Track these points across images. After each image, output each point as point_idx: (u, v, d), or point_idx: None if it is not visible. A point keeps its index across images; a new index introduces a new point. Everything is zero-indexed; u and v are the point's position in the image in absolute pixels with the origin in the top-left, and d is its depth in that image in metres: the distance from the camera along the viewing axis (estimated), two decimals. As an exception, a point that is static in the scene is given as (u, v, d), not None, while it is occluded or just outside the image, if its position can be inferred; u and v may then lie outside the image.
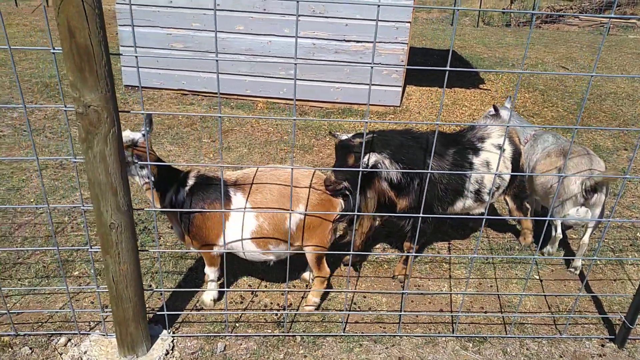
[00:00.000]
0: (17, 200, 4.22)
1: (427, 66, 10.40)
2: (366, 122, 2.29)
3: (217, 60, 2.13)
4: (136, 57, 2.16)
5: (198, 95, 7.61)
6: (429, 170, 2.84)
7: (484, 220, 2.71)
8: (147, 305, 3.03)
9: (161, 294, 3.04)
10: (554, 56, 12.53)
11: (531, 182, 3.89)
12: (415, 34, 15.89)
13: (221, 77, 7.44)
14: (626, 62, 12.26)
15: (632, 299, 2.94)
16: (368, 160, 3.01)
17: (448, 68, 2.17)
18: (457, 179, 3.35)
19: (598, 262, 3.85)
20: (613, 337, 3.06)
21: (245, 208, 2.73)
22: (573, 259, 3.71)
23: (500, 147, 3.31)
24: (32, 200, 4.24)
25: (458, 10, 2.06)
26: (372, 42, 7.05)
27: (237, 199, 2.74)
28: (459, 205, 3.46)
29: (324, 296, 3.20)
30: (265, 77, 7.40)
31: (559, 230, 3.70)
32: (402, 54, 7.10)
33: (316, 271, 2.99)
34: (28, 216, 3.98)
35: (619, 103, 8.42)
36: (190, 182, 2.80)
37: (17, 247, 3.55)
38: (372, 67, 2.12)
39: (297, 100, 7.51)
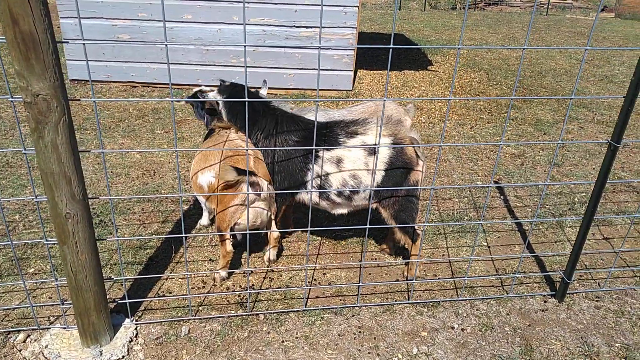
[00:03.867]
0: (-37, 201, 4.08)
1: (379, 50, 10.58)
2: (317, 103, 2.39)
3: (166, 45, 2.16)
4: (84, 44, 2.15)
5: (148, 86, 7.48)
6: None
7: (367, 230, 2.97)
8: (108, 296, 3.05)
9: (122, 284, 3.05)
10: (497, 37, 12.99)
11: None
12: (365, 19, 16.07)
13: (172, 67, 7.34)
14: (564, 40, 12.86)
15: (569, 256, 3.19)
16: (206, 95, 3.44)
17: (392, 46, 2.29)
18: (293, 165, 3.19)
19: (540, 226, 4.12)
20: (554, 292, 3.31)
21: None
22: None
23: (373, 149, 3.06)
24: (-21, 200, 4.11)
25: (395, -10, 2.16)
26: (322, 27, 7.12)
27: None
28: (302, 197, 3.30)
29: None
30: (217, 65, 7.35)
31: None
32: (351, 38, 7.21)
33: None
34: (-24, 217, 3.87)
35: (558, 79, 8.88)
36: None
37: (-33, 248, 3.46)
38: (319, 51, 2.20)
39: (251, 87, 7.50)
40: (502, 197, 4.62)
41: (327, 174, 3.12)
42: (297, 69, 7.42)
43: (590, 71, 9.55)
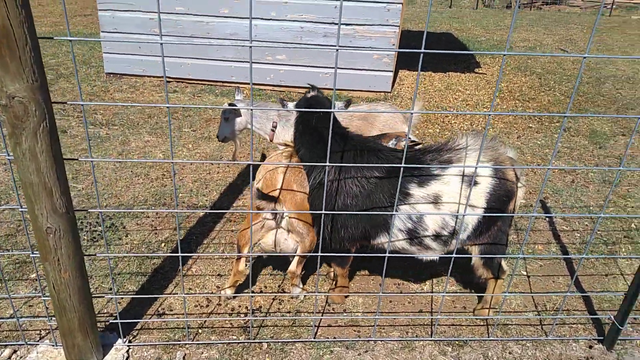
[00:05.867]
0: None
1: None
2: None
3: (161, 44, 1.91)
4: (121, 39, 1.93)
5: (182, 82, 7.36)
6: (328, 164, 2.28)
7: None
8: (105, 311, 2.86)
9: (119, 299, 2.85)
10: (553, 38, 12.20)
11: None
12: (412, 17, 15.54)
13: (206, 63, 7.20)
14: (627, 44, 11.93)
15: (623, 297, 2.75)
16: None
17: (422, 50, 1.95)
18: (375, 207, 2.63)
19: (590, 255, 3.65)
20: (602, 337, 2.87)
21: None
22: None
23: (471, 179, 2.51)
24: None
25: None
26: (362, 24, 6.78)
27: None
28: (381, 240, 2.74)
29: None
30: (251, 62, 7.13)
31: None
32: (393, 37, 6.82)
33: None
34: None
35: (619, 86, 8.14)
36: None
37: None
38: (337, 50, 1.90)
39: (285, 86, 7.27)
40: (547, 219, 4.15)
41: (422, 216, 2.59)
42: (334, 67, 7.09)
43: (656, 78, 8.73)
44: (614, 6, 20.01)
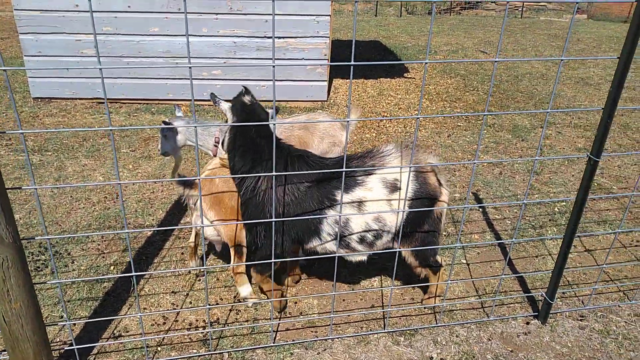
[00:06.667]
0: None
1: (354, 59, 10.44)
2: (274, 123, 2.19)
3: (100, 69, 1.95)
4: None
5: (116, 102, 7.21)
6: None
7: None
8: (58, 339, 2.80)
9: (73, 326, 2.81)
10: (473, 41, 12.97)
11: None
12: (341, 27, 15.97)
13: (141, 82, 7.09)
14: (539, 43, 12.90)
15: (550, 275, 3.04)
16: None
17: (352, 62, 2.12)
18: (306, 213, 2.73)
19: (521, 239, 3.97)
20: (537, 313, 3.15)
21: None
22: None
23: (395, 185, 2.72)
24: None
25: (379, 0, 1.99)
26: (294, 37, 6.95)
27: None
28: (315, 246, 2.86)
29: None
30: (187, 79, 7.12)
31: None
32: (324, 47, 7.05)
33: None
34: None
35: (534, 83, 8.83)
36: None
37: None
38: (273, 67, 2.01)
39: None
40: (480, 209, 4.47)
41: (348, 220, 2.73)
42: (270, 80, 7.22)
43: (566, 74, 9.53)
44: (523, 8, 21.51)
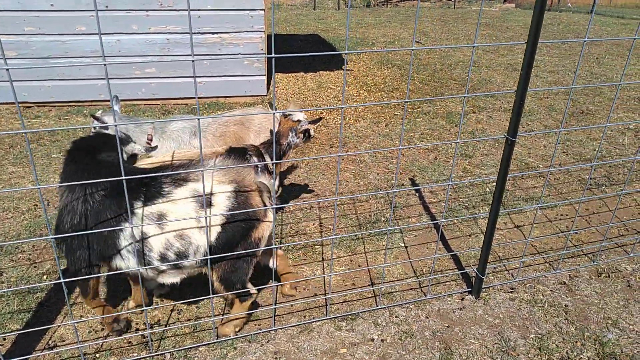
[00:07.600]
0: None
1: (293, 52, 10.45)
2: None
3: (7, 70, 1.87)
4: None
5: (45, 106, 6.88)
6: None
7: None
8: (-13, 355, 2.67)
9: (2, 340, 2.68)
10: (408, 32, 13.29)
11: None
12: (279, 21, 15.93)
13: (70, 83, 6.80)
14: (471, 32, 13.39)
15: (479, 251, 3.20)
16: None
17: (273, 55, 2.14)
18: (101, 226, 2.43)
19: (455, 220, 4.15)
20: (470, 289, 3.31)
21: None
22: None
23: (207, 201, 2.45)
24: None
25: (271, -4, 2.01)
26: (228, 32, 6.88)
27: None
28: (118, 264, 2.53)
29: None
30: (119, 78, 6.89)
31: None
32: (260, 42, 7.02)
33: None
34: None
35: (467, 70, 9.17)
36: None
37: None
38: (193, 61, 2.01)
39: (159, 99, 7.12)
40: (417, 194, 4.62)
41: (146, 236, 2.42)
42: (207, 76, 7.12)
43: (496, 60, 9.96)
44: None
